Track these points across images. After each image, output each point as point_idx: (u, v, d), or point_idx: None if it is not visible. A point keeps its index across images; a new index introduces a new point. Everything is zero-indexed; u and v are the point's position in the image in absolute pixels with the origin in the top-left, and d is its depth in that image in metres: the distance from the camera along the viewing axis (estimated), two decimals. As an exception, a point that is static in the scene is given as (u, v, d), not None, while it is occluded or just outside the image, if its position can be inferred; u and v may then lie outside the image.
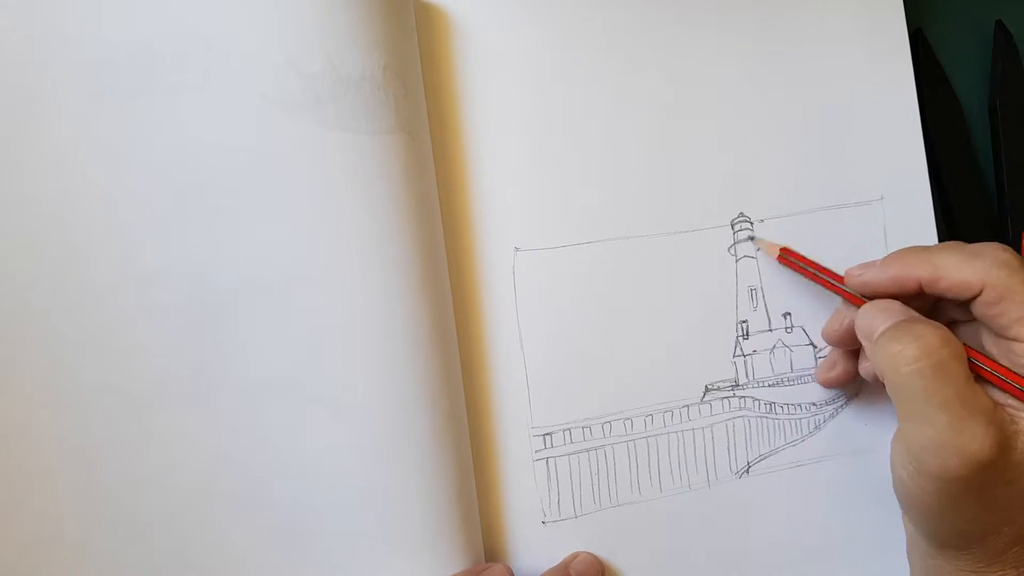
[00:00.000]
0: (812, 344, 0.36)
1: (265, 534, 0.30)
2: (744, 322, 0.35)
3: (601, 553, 0.33)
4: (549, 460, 0.33)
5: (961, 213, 0.39)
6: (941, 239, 0.37)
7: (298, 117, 0.29)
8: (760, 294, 0.35)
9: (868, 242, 0.36)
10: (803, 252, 0.34)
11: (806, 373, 0.36)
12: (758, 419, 0.35)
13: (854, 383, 0.35)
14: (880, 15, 0.37)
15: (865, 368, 0.33)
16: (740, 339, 0.35)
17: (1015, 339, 0.28)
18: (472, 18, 0.33)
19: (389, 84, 0.30)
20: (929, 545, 0.30)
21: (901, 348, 0.27)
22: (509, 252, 0.33)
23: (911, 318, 0.29)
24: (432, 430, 0.30)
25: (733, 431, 0.35)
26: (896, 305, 0.30)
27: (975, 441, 0.26)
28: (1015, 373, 0.27)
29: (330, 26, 0.29)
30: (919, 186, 0.37)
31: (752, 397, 0.35)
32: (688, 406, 0.34)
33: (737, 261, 0.35)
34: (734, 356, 0.35)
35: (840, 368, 0.34)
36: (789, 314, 0.36)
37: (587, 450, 0.33)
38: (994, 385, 0.28)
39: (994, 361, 0.28)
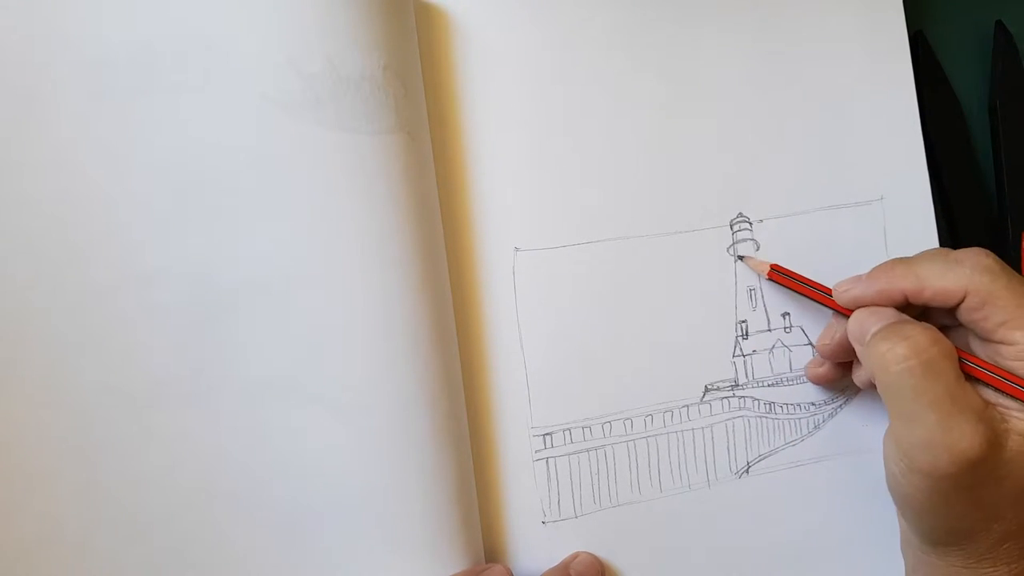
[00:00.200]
0: (811, 344, 0.36)
1: (265, 534, 0.30)
2: (743, 322, 0.35)
3: (601, 553, 0.33)
4: (549, 460, 0.33)
5: (961, 213, 0.39)
6: (941, 239, 0.37)
7: (298, 117, 0.29)
8: (759, 294, 0.35)
9: (868, 242, 0.36)
10: (803, 252, 0.34)
11: (805, 373, 0.36)
12: (758, 419, 0.35)
13: (843, 382, 0.35)
14: (880, 15, 0.37)
15: (859, 377, 0.33)
16: (739, 339, 0.35)
17: (1000, 342, 0.28)
18: (472, 18, 0.33)
19: (389, 84, 0.30)
20: (921, 541, 0.30)
21: (891, 347, 0.27)
22: (509, 252, 0.33)
23: (902, 320, 0.29)
24: (432, 430, 0.30)
25: (733, 431, 0.35)
26: (887, 309, 0.30)
27: (964, 439, 0.26)
28: (1005, 370, 0.28)
29: (330, 26, 0.29)
30: (919, 186, 0.37)
31: (752, 397, 0.35)
32: (688, 406, 0.34)
33: (736, 261, 0.35)
34: (733, 356, 0.35)
35: (828, 364, 0.34)
36: (788, 314, 0.36)
37: (587, 450, 0.33)
38: (985, 384, 0.28)
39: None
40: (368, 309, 0.29)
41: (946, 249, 0.30)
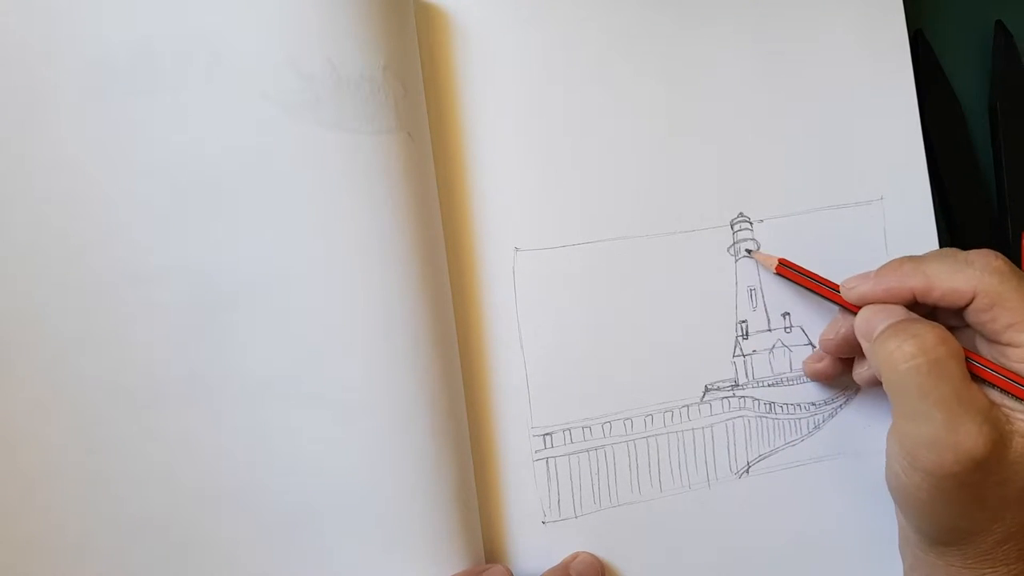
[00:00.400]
0: (811, 344, 0.36)
1: (265, 534, 0.30)
2: (744, 322, 0.35)
3: (601, 553, 0.33)
4: (549, 460, 0.33)
5: (961, 213, 0.39)
6: (941, 239, 0.37)
7: (298, 117, 0.29)
8: (759, 294, 0.35)
9: (868, 242, 0.36)
10: (803, 252, 0.34)
11: (803, 369, 0.36)
12: (758, 419, 0.35)
13: (841, 379, 0.35)
14: (880, 15, 0.37)
15: (860, 374, 0.33)
16: (740, 339, 0.35)
17: (1008, 344, 0.28)
18: (472, 18, 0.33)
19: (389, 84, 0.30)
20: (920, 540, 0.30)
21: (899, 345, 0.27)
22: (509, 252, 0.33)
23: (910, 318, 0.29)
24: (432, 430, 0.30)
25: (733, 431, 0.35)
26: (896, 307, 0.30)
27: (969, 438, 0.26)
28: (1012, 371, 0.28)
29: (330, 26, 0.29)
30: (919, 186, 0.37)
31: (752, 397, 0.35)
32: (688, 406, 0.34)
33: (736, 261, 0.35)
34: (734, 356, 0.35)
35: (828, 360, 0.34)
36: (788, 314, 0.36)
37: (587, 450, 0.33)
38: (991, 385, 0.28)
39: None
40: (368, 309, 0.29)
41: (956, 249, 0.30)
